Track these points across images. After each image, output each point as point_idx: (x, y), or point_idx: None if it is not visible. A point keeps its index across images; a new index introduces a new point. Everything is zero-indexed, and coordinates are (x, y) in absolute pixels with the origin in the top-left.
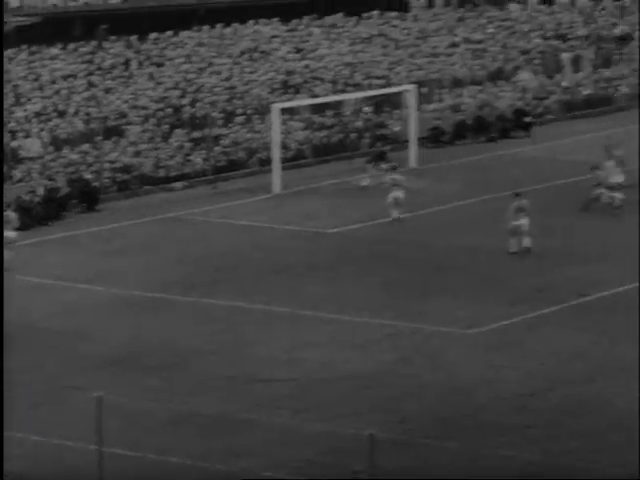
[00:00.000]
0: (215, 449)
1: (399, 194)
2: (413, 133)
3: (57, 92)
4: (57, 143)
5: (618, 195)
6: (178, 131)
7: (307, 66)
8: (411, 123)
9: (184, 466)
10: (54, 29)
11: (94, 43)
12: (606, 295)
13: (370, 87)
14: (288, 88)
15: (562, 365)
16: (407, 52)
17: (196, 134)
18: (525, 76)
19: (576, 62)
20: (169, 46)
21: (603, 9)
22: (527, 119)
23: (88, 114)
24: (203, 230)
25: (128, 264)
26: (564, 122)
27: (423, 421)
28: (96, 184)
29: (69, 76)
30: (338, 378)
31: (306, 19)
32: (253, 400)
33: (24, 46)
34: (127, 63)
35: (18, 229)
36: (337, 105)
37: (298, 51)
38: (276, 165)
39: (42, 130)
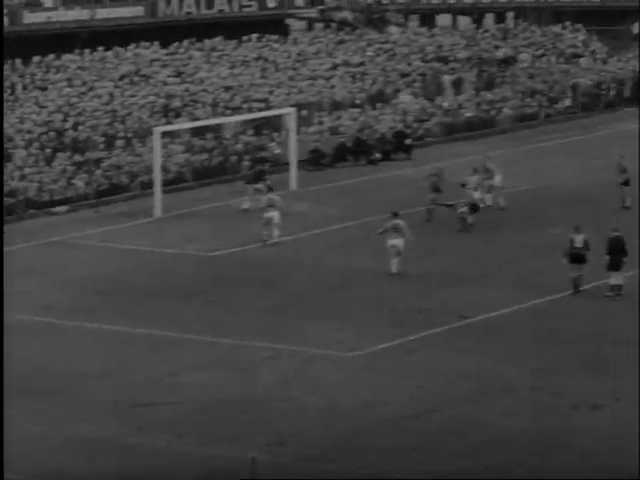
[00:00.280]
0: (106, 473)
1: (274, 214)
2: (293, 156)
3: None
4: None
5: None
6: (61, 155)
7: (187, 89)
8: (291, 146)
9: None
10: None
11: None
12: (487, 317)
13: (250, 110)
14: (169, 111)
15: (445, 387)
16: (287, 75)
17: (78, 158)
18: (405, 99)
19: (457, 84)
20: (52, 69)
21: (486, 32)
22: (408, 141)
23: None
24: (86, 254)
25: (12, 288)
26: (445, 144)
27: (304, 444)
28: None
29: None
30: (220, 401)
31: (186, 42)
32: (136, 424)
33: None
34: (13, 87)
35: None
36: (217, 128)
37: (178, 74)
38: (157, 189)
39: None
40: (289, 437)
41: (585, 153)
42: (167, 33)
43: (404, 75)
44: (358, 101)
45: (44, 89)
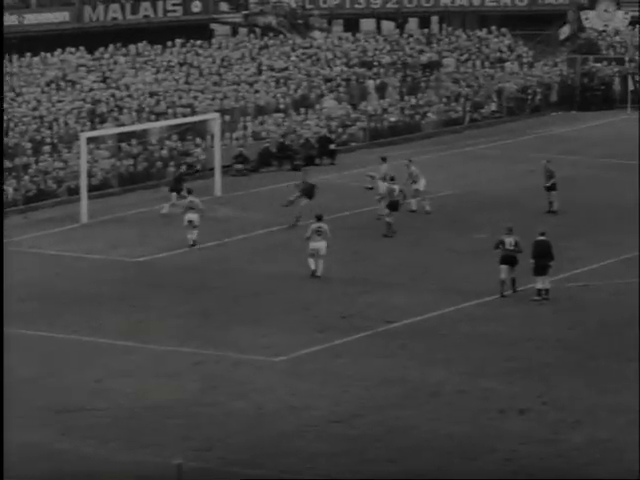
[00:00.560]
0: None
1: (194, 217)
2: (218, 161)
3: None
4: None
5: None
6: None
7: (113, 95)
8: (216, 151)
9: None
10: None
11: None
12: (413, 321)
13: (175, 116)
14: (94, 117)
15: (371, 391)
16: (211, 80)
17: (8, 164)
18: (330, 104)
19: (381, 89)
20: None
21: (410, 36)
22: (332, 146)
23: None
24: (15, 260)
25: None
26: (370, 149)
27: (230, 449)
28: None
29: None
30: (146, 407)
31: (111, 48)
32: (63, 430)
33: None
34: None
35: None
36: (143, 134)
37: (104, 80)
38: (83, 195)
39: None
40: (216, 442)
41: (510, 158)
42: (93, 38)
43: (328, 80)
44: (282, 106)
45: None
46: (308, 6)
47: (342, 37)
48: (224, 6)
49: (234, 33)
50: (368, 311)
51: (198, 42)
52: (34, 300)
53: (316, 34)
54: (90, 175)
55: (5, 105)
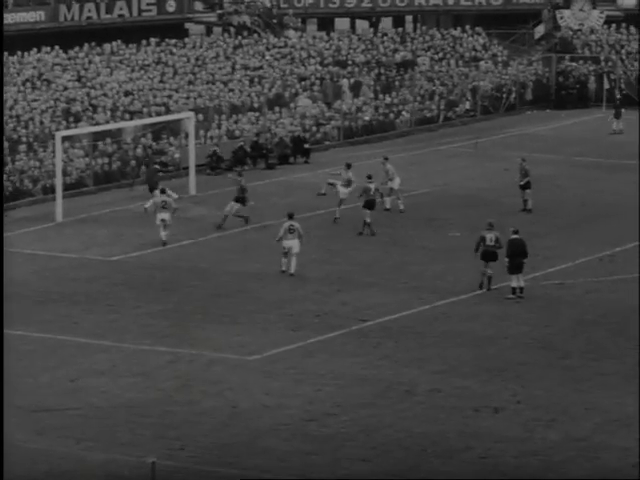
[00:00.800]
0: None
1: (166, 216)
2: (192, 160)
3: None
4: None
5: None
6: None
7: (88, 94)
8: (190, 150)
9: None
10: None
11: None
12: (387, 320)
13: (150, 114)
14: (69, 116)
15: (344, 390)
16: (185, 79)
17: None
18: (304, 102)
19: (356, 88)
20: None
21: (384, 35)
22: (306, 145)
23: None
24: None
25: None
26: (344, 148)
27: (204, 448)
28: None
29: None
30: (120, 406)
31: (86, 47)
32: (36, 429)
33: None
34: None
35: None
36: (117, 133)
37: (79, 79)
38: (59, 193)
39: None
40: (190, 441)
41: (484, 156)
42: (68, 38)
43: (302, 79)
44: (256, 105)
45: None
46: (282, 5)
47: (316, 36)
48: (199, 5)
49: (208, 32)
50: (342, 310)
51: (173, 41)
52: (9, 299)
53: (290, 33)
54: (65, 174)
55: None
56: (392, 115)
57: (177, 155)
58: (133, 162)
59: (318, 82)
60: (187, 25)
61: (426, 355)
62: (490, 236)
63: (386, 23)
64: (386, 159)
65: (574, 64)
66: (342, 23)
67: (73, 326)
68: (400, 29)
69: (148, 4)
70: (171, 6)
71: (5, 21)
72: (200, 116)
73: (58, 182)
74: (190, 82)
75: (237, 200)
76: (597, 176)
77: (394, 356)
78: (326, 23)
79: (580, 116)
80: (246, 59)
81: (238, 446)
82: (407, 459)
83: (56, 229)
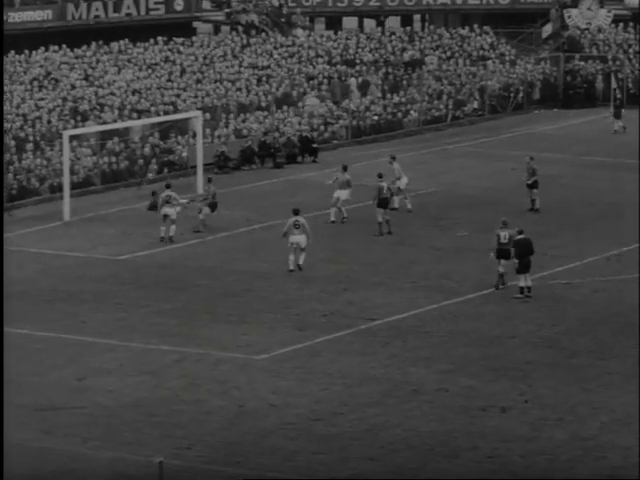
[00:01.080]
0: (13, 477)
1: (170, 211)
2: (200, 159)
3: None
4: None
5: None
6: None
7: (95, 92)
8: (198, 149)
9: None
10: None
11: None
12: (394, 319)
13: (157, 113)
14: (77, 115)
15: (351, 389)
16: (193, 78)
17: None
18: (312, 101)
19: (364, 87)
20: None
21: (392, 34)
22: (314, 144)
23: None
24: None
25: None
26: (352, 147)
27: (211, 447)
28: None
29: None
30: (127, 405)
31: (94, 45)
32: (44, 428)
33: None
34: None
35: None
36: (125, 132)
37: (86, 77)
38: (66, 192)
39: None
40: (196, 440)
41: (492, 156)
42: (75, 36)
43: (310, 78)
44: (264, 104)
45: None
46: (290, 4)
47: (324, 35)
48: (206, 4)
49: (216, 31)
50: (349, 309)
51: (180, 40)
52: (16, 298)
53: (298, 32)
54: (72, 173)
55: None
56: (400, 114)
57: (185, 154)
58: (141, 161)
59: (326, 81)
60: (195, 24)
61: (433, 354)
62: (504, 234)
63: (394, 22)
64: (393, 158)
65: (582, 63)
66: (350, 22)
67: (80, 325)
68: (408, 28)
69: (156, 3)
70: (179, 5)
71: (12, 20)
72: (208, 115)
73: (65, 181)
74: (198, 81)
75: (210, 206)
76: (605, 175)
77: (401, 355)
78: (334, 22)
79: (588, 115)
80: (254, 58)
81: (245, 445)
82: (414, 458)
83: (63, 228)
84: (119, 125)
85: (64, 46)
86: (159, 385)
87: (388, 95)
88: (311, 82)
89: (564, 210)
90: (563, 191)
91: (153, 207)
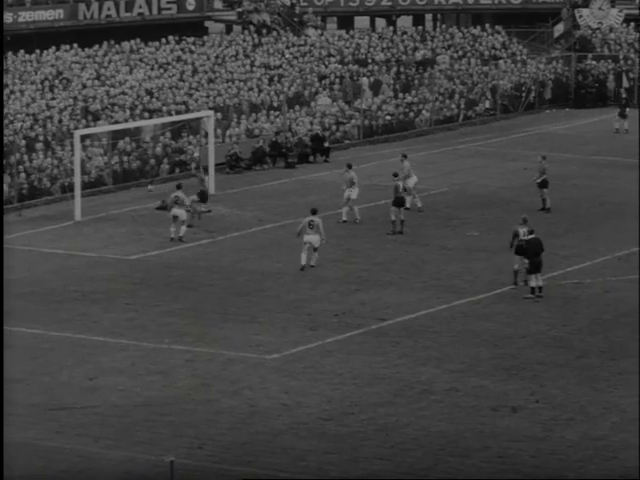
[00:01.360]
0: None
1: (179, 212)
2: (211, 159)
3: None
4: None
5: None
6: None
7: (107, 92)
8: (210, 149)
9: None
10: None
11: None
12: (405, 319)
13: (169, 113)
14: (88, 114)
15: (362, 389)
16: (205, 78)
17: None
18: (324, 101)
19: (375, 87)
20: None
21: (404, 34)
22: (326, 144)
23: None
24: (9, 257)
25: None
26: (364, 146)
27: (222, 446)
28: None
29: None
30: (138, 405)
31: (105, 45)
32: (55, 427)
33: None
34: None
35: None
36: (136, 131)
37: (98, 77)
38: (77, 192)
39: None
40: (208, 440)
41: (504, 155)
42: (87, 36)
43: (322, 77)
44: (276, 104)
45: None
46: (302, 3)
47: (336, 34)
48: (218, 4)
49: (228, 31)
50: (360, 309)
51: (192, 39)
52: (27, 298)
53: (310, 31)
54: (84, 172)
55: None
56: (412, 114)
57: (196, 154)
58: (152, 161)
59: (338, 81)
60: (207, 23)
61: (444, 354)
62: (523, 230)
63: (406, 22)
64: (405, 156)
65: (593, 63)
66: (362, 21)
67: (92, 324)
68: (420, 27)
69: (168, 2)
70: (191, 4)
71: (23, 19)
72: (219, 115)
73: (77, 180)
74: (210, 80)
75: (199, 195)
76: (616, 175)
77: (412, 355)
78: (346, 21)
79: (599, 115)
80: (266, 57)
81: (256, 445)
82: (425, 458)
83: (74, 228)
84: (130, 125)
85: (75, 45)
86: (170, 385)
87: (400, 95)
88: (323, 82)
89: (575, 210)
90: (574, 191)
91: (162, 207)
